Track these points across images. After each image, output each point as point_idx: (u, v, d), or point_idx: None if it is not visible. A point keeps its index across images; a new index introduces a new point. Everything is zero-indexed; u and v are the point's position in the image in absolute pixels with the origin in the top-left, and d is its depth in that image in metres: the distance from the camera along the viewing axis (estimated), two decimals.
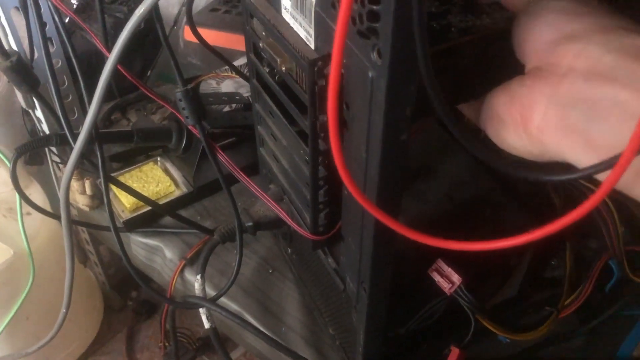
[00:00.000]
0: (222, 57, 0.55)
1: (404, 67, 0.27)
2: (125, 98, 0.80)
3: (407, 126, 0.30)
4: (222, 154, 0.45)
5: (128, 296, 1.25)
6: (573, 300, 0.54)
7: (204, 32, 0.40)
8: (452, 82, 0.35)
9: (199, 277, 0.55)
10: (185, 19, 0.99)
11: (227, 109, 0.76)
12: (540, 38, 0.30)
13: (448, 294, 0.45)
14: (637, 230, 0.57)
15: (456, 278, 0.44)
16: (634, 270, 0.54)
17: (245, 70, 0.79)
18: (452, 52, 0.34)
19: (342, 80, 0.33)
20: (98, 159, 0.47)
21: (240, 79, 0.81)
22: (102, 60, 0.63)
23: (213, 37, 0.83)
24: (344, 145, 0.36)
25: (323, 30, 0.33)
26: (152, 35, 0.99)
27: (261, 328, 0.57)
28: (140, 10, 0.38)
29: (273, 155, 0.51)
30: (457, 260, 0.46)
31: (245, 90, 0.80)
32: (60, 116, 0.49)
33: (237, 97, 0.74)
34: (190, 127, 0.45)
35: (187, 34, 0.90)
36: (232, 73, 0.81)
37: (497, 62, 0.37)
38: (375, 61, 0.28)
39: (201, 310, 0.56)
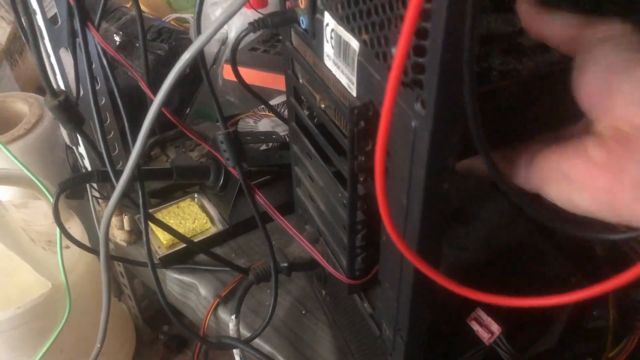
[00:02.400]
0: (261, 98, 0.56)
1: (448, 118, 0.27)
2: (164, 135, 0.81)
3: (449, 176, 0.30)
4: (261, 195, 0.46)
5: (159, 330, 1.26)
6: (617, 353, 0.52)
7: (243, 71, 0.41)
8: (490, 125, 0.35)
9: (233, 317, 0.55)
10: (224, 58, 1.02)
11: (263, 147, 0.77)
12: (619, 95, 0.27)
13: (487, 344, 0.44)
14: None
15: (495, 328, 0.43)
16: None
17: (282, 110, 0.80)
18: (492, 96, 0.34)
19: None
20: (139, 197, 0.48)
21: (277, 119, 0.82)
22: (142, 95, 0.65)
23: (251, 76, 0.85)
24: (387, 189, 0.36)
25: (365, 79, 0.33)
26: (190, 72, 1.02)
27: None
28: (186, 56, 0.39)
29: (309, 196, 0.51)
30: (495, 308, 0.45)
31: (281, 130, 0.81)
32: (104, 155, 0.50)
33: (274, 137, 0.75)
34: (229, 168, 0.45)
35: (227, 73, 0.92)
36: (269, 112, 0.83)
37: (538, 106, 0.37)
38: (418, 111, 0.28)
39: (235, 350, 0.55)
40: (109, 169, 0.50)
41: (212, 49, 1.06)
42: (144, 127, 0.42)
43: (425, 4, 0.24)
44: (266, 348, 0.59)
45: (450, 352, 0.45)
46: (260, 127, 0.82)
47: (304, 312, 0.62)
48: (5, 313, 0.67)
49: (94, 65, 0.63)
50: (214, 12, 1.07)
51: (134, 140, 0.41)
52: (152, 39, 1.02)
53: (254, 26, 0.40)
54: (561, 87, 0.38)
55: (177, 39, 1.02)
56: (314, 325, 0.60)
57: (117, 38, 0.98)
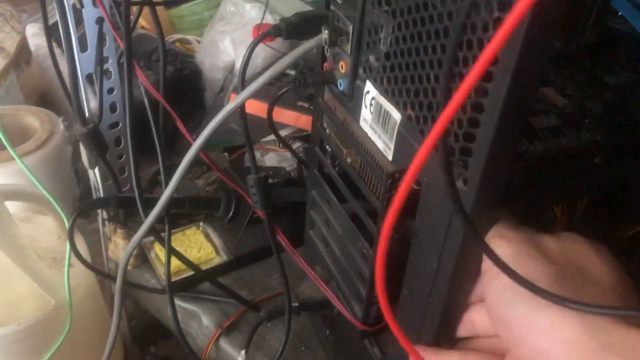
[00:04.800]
0: (283, 140, 0.58)
1: (488, 196, 0.30)
2: (171, 161, 0.83)
3: (485, 247, 0.32)
4: (284, 239, 0.48)
5: (147, 350, 1.25)
6: None
7: (248, 102, 0.43)
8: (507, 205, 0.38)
9: (243, 352, 0.56)
10: (231, 87, 1.04)
11: (270, 181, 0.79)
12: None
13: None
14: None
15: None
16: None
17: (294, 146, 0.83)
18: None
19: (416, 193, 0.36)
20: (166, 231, 0.50)
21: (283, 153, 0.84)
22: (145, 115, 0.66)
23: (255, 107, 0.85)
24: (412, 251, 0.39)
25: (404, 147, 0.36)
26: (191, 93, 1.03)
27: None
28: (230, 106, 0.42)
29: (323, 239, 0.54)
30: None
31: (287, 164, 0.83)
32: (135, 187, 0.52)
33: (282, 172, 0.77)
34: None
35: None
36: (275, 146, 0.84)
37: (546, 187, 0.41)
38: (460, 188, 0.31)
39: None
40: (139, 205, 0.52)
41: (218, 76, 1.08)
42: (180, 167, 0.45)
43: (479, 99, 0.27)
44: None
45: None
46: (266, 161, 0.84)
47: (303, 348, 0.64)
48: (5, 329, 0.68)
49: (115, 92, 0.65)
50: (222, 40, 1.09)
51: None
52: (157, 60, 1.04)
53: (295, 84, 0.43)
54: (569, 168, 0.42)
55: (182, 62, 1.03)
56: None
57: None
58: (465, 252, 0.32)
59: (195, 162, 0.44)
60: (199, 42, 1.16)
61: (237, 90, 0.53)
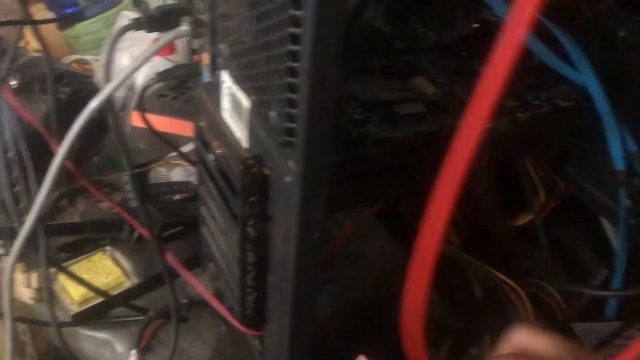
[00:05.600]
0: (171, 144, 0.57)
1: (315, 176, 0.31)
2: (72, 185, 0.79)
3: (319, 226, 0.33)
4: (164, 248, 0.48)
5: None
6: None
7: (153, 118, 0.43)
8: (364, 187, 0.39)
9: (134, 352, 0.55)
10: (132, 105, 1.00)
11: (177, 197, 0.78)
12: None
13: None
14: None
15: None
16: None
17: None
18: (364, 161, 0.38)
19: (268, 178, 0.36)
20: (40, 255, 0.49)
21: (190, 168, 0.83)
22: (42, 140, 0.63)
23: (161, 122, 0.82)
24: (270, 235, 0.39)
25: (254, 134, 0.36)
26: (95, 118, 0.99)
27: None
28: (93, 104, 0.42)
29: (212, 235, 0.54)
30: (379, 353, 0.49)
31: (194, 179, 0.82)
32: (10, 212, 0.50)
33: (189, 187, 0.76)
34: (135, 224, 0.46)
35: (135, 120, 0.90)
36: (181, 160, 0.83)
37: (408, 172, 0.42)
38: (291, 168, 0.31)
39: None
40: (39, 235, 0.50)
41: (118, 94, 1.04)
42: (46, 180, 0.44)
43: (292, 80, 0.28)
44: None
45: None
46: (173, 177, 0.82)
47: (207, 347, 0.63)
48: None
49: None
50: (119, 58, 1.05)
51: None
52: (54, 83, 0.99)
53: (160, 77, 0.43)
54: (429, 155, 0.43)
55: (80, 83, 0.97)
56: None
57: (13, 81, 0.94)
58: (305, 234, 0.33)
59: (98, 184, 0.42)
60: (98, 61, 1.12)
61: (138, 107, 0.52)
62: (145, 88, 0.46)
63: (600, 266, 0.64)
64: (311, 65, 0.26)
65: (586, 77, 0.50)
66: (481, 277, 0.59)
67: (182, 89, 0.94)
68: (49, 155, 0.54)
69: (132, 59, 1.00)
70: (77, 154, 0.91)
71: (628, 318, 0.59)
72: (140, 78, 0.94)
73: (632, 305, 0.61)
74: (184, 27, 0.41)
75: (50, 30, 1.14)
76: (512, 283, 0.58)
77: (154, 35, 0.43)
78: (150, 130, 0.49)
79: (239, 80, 0.36)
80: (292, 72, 0.28)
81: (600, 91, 0.50)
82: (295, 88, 0.28)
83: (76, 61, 1.11)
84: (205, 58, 0.42)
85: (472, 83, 0.51)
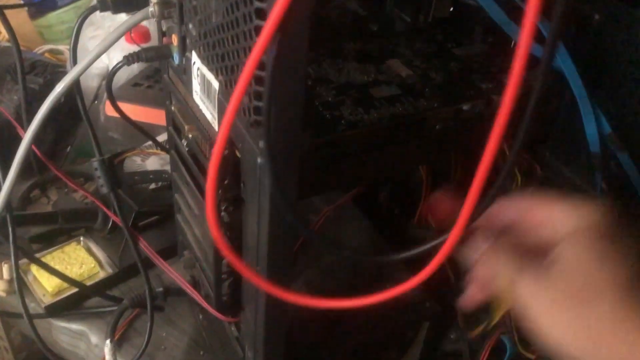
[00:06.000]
0: (144, 131, 0.56)
1: (286, 157, 0.30)
2: (45, 175, 0.78)
3: (290, 208, 0.32)
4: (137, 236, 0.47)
5: None
6: None
7: (126, 107, 0.42)
8: (337, 170, 0.39)
9: (108, 341, 0.55)
10: (105, 94, 0.98)
11: (152, 186, 0.76)
12: None
13: None
14: None
15: None
16: (525, 346, 0.58)
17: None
18: (338, 144, 0.37)
19: (239, 161, 0.36)
20: (10, 245, 0.47)
21: (165, 156, 0.81)
22: (14, 131, 0.61)
23: (135, 111, 0.81)
24: (243, 218, 0.38)
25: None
26: (66, 107, 0.97)
27: None
28: (60, 87, 0.40)
29: (187, 222, 0.53)
30: (353, 330, 0.49)
31: (170, 168, 0.81)
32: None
33: (164, 175, 0.75)
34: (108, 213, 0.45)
35: (109, 109, 0.88)
36: (156, 149, 0.81)
37: (384, 155, 0.41)
38: (262, 148, 0.31)
39: None
40: (9, 224, 0.49)
41: (92, 84, 1.02)
42: (13, 166, 0.42)
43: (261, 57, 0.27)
44: None
45: None
46: (148, 166, 0.80)
47: (202, 353, 0.62)
48: None
49: None
50: (93, 46, 1.03)
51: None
52: (25, 72, 0.97)
53: (128, 59, 0.42)
54: (403, 138, 0.42)
55: (52, 73, 0.96)
56: None
57: None
58: (277, 217, 0.32)
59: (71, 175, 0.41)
60: None
61: (108, 92, 0.51)
62: (112, 73, 0.45)
63: None
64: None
65: (561, 60, 0.50)
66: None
67: (156, 77, 0.92)
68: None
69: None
70: (51, 146, 0.90)
71: None
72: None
73: None
74: (152, 9, 0.40)
75: (22, 20, 1.12)
76: None
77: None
78: (123, 117, 0.47)
79: (207, 60, 0.36)
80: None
81: (575, 74, 0.50)
82: (262, 65, 0.27)
83: (49, 51, 1.09)
84: (175, 39, 0.41)
85: (449, 66, 0.51)
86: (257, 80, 0.28)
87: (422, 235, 0.58)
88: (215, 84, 0.35)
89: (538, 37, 0.25)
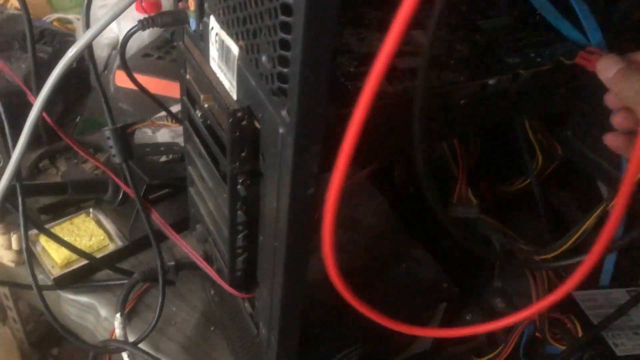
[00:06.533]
0: (159, 102, 0.54)
1: (310, 127, 0.29)
2: (53, 146, 0.76)
3: (313, 181, 0.31)
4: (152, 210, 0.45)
5: (48, 353, 1.18)
6: (497, 355, 0.55)
7: (136, 78, 0.41)
8: (359, 143, 0.37)
9: (118, 315, 0.54)
10: (116, 64, 0.97)
11: (164, 159, 0.75)
12: None
13: None
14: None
15: None
16: (553, 334, 0.56)
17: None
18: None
19: (258, 132, 0.34)
20: (20, 215, 0.46)
21: (177, 129, 0.80)
22: (23, 99, 0.59)
23: (145, 82, 0.79)
24: (261, 192, 0.37)
25: (244, 84, 0.34)
26: (75, 78, 0.93)
27: None
28: (72, 51, 0.38)
29: (200, 195, 0.52)
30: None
31: (182, 140, 0.80)
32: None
33: (175, 148, 0.73)
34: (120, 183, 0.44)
35: (119, 79, 0.86)
36: (167, 121, 0.79)
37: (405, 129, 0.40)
38: (284, 118, 0.29)
39: (124, 354, 0.54)
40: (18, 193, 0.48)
41: (102, 54, 1.00)
42: (24, 133, 0.41)
43: (285, 18, 0.26)
44: None
45: (326, 351, 0.47)
46: (159, 138, 0.79)
47: (212, 328, 0.61)
48: None
49: None
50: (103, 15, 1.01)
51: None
52: (35, 41, 0.96)
53: (143, 24, 0.40)
54: (426, 112, 0.41)
55: (61, 42, 0.94)
56: (223, 341, 0.59)
57: None
58: (298, 190, 0.31)
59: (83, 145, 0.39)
60: (80, 20, 1.08)
61: (121, 67, 0.49)
62: (126, 38, 0.43)
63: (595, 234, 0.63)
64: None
65: (591, 34, 0.48)
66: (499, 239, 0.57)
67: (167, 48, 0.90)
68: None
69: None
70: (59, 118, 0.88)
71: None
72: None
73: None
74: None
75: None
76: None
77: None
78: (137, 86, 0.46)
79: (227, 24, 0.34)
80: (285, 9, 0.25)
81: (604, 49, 0.48)
82: (288, 27, 0.26)
83: (57, 20, 1.07)
84: (192, 4, 0.39)
85: (474, 38, 0.49)
86: (282, 44, 0.27)
87: (465, 213, 0.56)
88: (235, 50, 0.34)
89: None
